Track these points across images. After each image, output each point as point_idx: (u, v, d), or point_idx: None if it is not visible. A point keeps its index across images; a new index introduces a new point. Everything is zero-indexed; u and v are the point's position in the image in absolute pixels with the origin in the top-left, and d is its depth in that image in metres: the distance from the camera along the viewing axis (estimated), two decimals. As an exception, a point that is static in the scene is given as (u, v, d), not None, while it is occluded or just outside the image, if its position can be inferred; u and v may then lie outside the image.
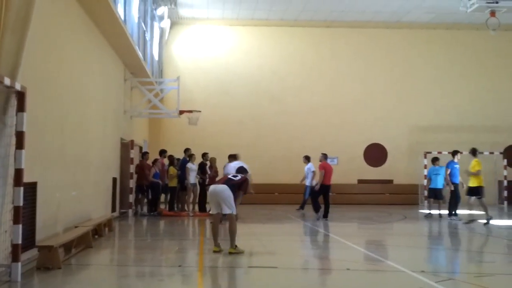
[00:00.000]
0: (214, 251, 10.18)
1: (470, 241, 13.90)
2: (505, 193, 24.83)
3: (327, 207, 17.35)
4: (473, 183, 16.26)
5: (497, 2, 21.07)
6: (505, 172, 23.94)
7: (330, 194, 17.63)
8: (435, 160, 18.88)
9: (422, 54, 27.41)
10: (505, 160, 24.07)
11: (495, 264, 9.66)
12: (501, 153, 24.99)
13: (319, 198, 17.36)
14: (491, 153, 25.35)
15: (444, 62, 27.45)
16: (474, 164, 16.35)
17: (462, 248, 12.70)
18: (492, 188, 26.19)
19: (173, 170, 18.68)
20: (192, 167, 18.25)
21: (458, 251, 12.01)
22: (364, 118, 26.79)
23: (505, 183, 24.35)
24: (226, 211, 10.18)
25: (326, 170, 17.35)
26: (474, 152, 16.66)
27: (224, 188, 10.23)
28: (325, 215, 17.24)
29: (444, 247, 12.60)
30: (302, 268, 9.27)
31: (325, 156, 17.89)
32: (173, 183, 18.58)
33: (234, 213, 10.32)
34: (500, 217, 20.17)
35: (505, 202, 24.28)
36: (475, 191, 16.18)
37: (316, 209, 17.41)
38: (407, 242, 13.13)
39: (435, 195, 18.60)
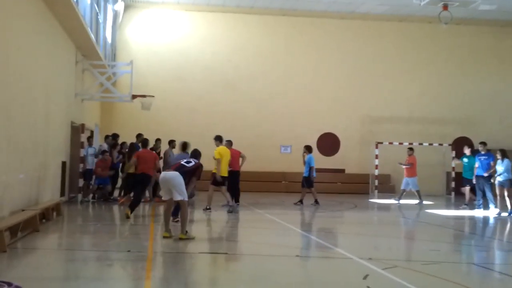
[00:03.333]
0: (164, 237, 10.13)
1: (417, 230, 14.23)
2: (453, 184, 25.48)
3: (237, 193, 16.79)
4: None
5: (450, -4, 21.54)
6: (453, 164, 24.58)
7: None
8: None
9: (375, 45, 27.76)
10: (454, 152, 24.69)
11: (440, 253, 9.92)
12: (449, 144, 25.61)
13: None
14: (440, 144, 25.96)
15: (396, 54, 27.88)
16: None
17: (410, 236, 13.00)
18: (441, 179, 26.90)
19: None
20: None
21: (406, 240, 12.28)
22: (317, 107, 27.00)
23: (453, 174, 25.00)
24: (177, 197, 10.12)
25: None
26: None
27: (175, 175, 10.17)
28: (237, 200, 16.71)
29: (393, 236, 12.85)
30: (251, 255, 9.31)
31: (229, 143, 16.64)
32: (132, 169, 17.98)
33: (186, 199, 10.27)
34: (447, 207, 20.72)
35: (453, 193, 24.93)
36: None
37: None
38: (357, 230, 13.35)
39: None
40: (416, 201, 19.99)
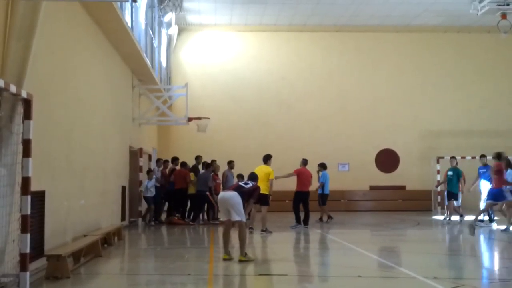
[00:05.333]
0: (224, 259, 10.05)
1: (486, 247, 13.66)
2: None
3: (306, 215, 16.87)
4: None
5: (508, 4, 20.88)
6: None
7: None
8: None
9: (433, 57, 27.18)
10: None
11: (510, 270, 9.46)
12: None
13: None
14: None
15: (454, 66, 27.20)
16: None
17: (477, 254, 12.48)
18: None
19: (193, 177, 18.02)
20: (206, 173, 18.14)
21: (473, 257, 11.80)
22: (375, 123, 26.57)
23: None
24: (235, 218, 10.05)
25: (300, 176, 16.89)
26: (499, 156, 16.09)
27: (233, 195, 10.13)
28: (306, 222, 16.77)
29: (459, 253, 12.38)
30: (312, 276, 9.12)
31: (304, 162, 17.35)
32: (192, 190, 18.05)
33: (244, 220, 10.19)
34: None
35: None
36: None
37: (297, 218, 16.81)
38: (420, 249, 12.93)
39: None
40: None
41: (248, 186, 10.58)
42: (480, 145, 26.12)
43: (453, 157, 19.11)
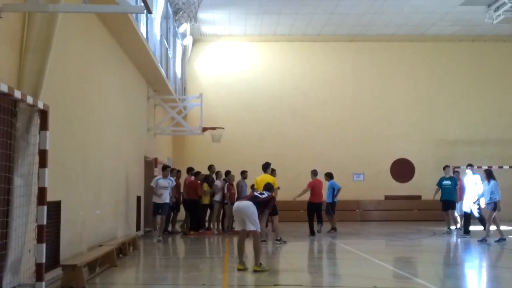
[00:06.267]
0: (239, 269, 10.03)
1: (503, 258, 13.52)
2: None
3: (320, 223, 17.72)
4: None
5: (523, 13, 20.79)
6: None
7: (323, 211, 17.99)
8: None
9: (448, 67, 27.06)
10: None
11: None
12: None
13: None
14: (521, 166, 24.82)
15: (470, 75, 27.05)
16: None
17: (494, 264, 12.35)
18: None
19: (206, 187, 18.15)
20: (219, 184, 18.16)
21: (490, 268, 11.67)
22: (389, 132, 26.47)
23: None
24: (250, 227, 10.05)
25: (313, 188, 17.56)
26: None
27: (248, 205, 10.14)
28: (319, 231, 17.71)
29: (475, 264, 12.26)
30: (328, 286, 9.07)
31: (315, 173, 18.00)
32: (206, 200, 18.19)
33: (259, 230, 10.18)
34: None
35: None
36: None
37: (311, 229, 17.35)
38: (437, 259, 12.82)
39: None
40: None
41: (264, 196, 10.60)
42: (497, 154, 25.94)
43: (447, 166, 19.04)
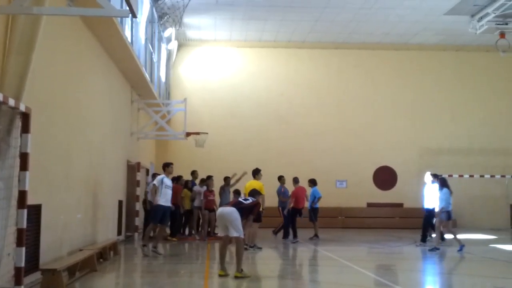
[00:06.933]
0: (220, 275, 10.01)
1: (481, 266, 13.61)
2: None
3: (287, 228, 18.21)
4: None
5: (506, 24, 21.01)
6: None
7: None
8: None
9: (432, 76, 27.27)
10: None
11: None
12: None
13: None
14: (503, 176, 25.08)
15: (454, 85, 27.28)
16: None
17: (473, 273, 12.43)
18: (504, 212, 25.88)
19: (186, 193, 18.11)
20: (199, 189, 18.06)
21: (469, 276, 11.75)
22: (373, 140, 26.60)
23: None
24: (233, 234, 10.03)
25: (297, 195, 18.00)
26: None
27: (231, 211, 10.13)
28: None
29: (455, 272, 12.34)
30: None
31: (296, 181, 18.45)
32: (187, 205, 18.08)
33: (242, 236, 10.17)
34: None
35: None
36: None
37: (295, 233, 17.76)
38: (417, 267, 12.89)
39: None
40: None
41: (248, 202, 10.59)
42: (480, 163, 26.16)
43: (438, 176, 19.00)
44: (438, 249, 15.09)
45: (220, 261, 10.31)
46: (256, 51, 26.97)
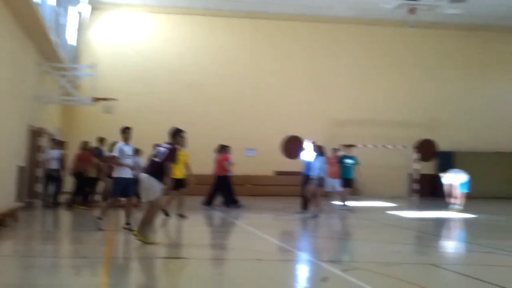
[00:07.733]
0: (139, 240, 9.75)
1: (380, 232, 14.23)
2: (416, 186, 25.74)
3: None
4: None
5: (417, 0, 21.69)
6: (416, 166, 24.80)
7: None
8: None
9: (342, 49, 27.91)
10: (417, 154, 24.95)
11: (401, 254, 9.92)
12: (415, 147, 25.88)
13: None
14: (404, 147, 26.20)
15: (363, 58, 28.06)
16: None
17: (371, 238, 12.99)
18: (404, 181, 27.13)
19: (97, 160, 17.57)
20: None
21: (367, 242, 12.27)
22: (283, 110, 27.00)
23: (416, 176, 25.26)
24: (150, 198, 9.93)
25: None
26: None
27: (145, 178, 9.95)
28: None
29: (354, 238, 12.85)
30: (213, 259, 9.20)
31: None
32: (93, 173, 17.70)
33: (157, 200, 9.97)
34: (410, 209, 20.85)
35: (417, 195, 25.22)
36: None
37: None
38: (317, 233, 13.32)
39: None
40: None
41: (162, 150, 10.10)
42: (384, 134, 27.20)
43: (351, 145, 19.66)
44: (317, 216, 15.34)
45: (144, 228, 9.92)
46: (170, 17, 26.59)
